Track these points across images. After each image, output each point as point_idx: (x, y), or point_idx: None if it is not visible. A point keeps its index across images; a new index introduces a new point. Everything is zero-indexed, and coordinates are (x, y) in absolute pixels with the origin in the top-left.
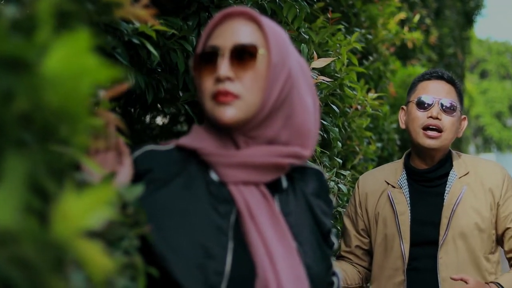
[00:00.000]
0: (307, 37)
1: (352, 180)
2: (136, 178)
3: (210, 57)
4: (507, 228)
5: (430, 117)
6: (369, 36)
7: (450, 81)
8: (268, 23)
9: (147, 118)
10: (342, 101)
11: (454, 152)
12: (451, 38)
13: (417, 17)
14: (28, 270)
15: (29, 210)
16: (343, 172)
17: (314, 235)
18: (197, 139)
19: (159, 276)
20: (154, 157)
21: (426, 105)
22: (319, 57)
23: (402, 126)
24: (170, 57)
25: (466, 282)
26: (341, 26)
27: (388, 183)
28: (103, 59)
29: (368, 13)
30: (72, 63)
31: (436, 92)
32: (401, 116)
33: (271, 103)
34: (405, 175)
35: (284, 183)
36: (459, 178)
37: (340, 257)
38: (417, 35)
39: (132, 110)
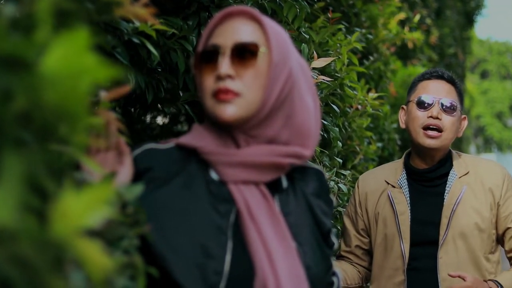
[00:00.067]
0: (307, 36)
1: (352, 180)
2: (136, 176)
3: (211, 56)
4: (508, 228)
5: (430, 116)
6: (370, 36)
7: (450, 80)
8: (269, 22)
9: (148, 118)
10: (343, 100)
11: (454, 151)
12: (452, 38)
13: (417, 17)
14: (27, 269)
15: (28, 209)
16: (343, 171)
17: (314, 235)
18: (197, 137)
19: (159, 276)
20: (154, 155)
21: (426, 104)
22: (319, 57)
23: (402, 125)
24: (170, 57)
25: (464, 279)
26: (341, 26)
27: (388, 183)
28: (103, 58)
29: (368, 13)
30: (71, 62)
31: (436, 92)
32: (401, 115)
33: (271, 102)
34: (405, 174)
35: (284, 183)
36: (459, 178)
37: (340, 257)
38: (418, 35)
39: (132, 110)
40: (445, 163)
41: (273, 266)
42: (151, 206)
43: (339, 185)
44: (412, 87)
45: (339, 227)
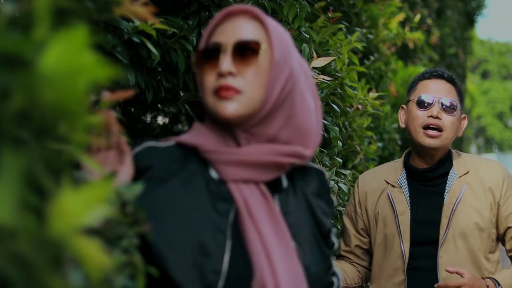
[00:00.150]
0: (307, 36)
1: (352, 180)
2: (136, 174)
3: (212, 54)
4: (509, 227)
5: (430, 116)
6: (370, 36)
7: (450, 80)
8: (271, 21)
9: (148, 118)
10: (343, 100)
11: (454, 151)
12: (453, 38)
13: (417, 17)
14: (25, 267)
15: (27, 207)
16: (343, 171)
17: (313, 235)
18: (197, 136)
19: (158, 275)
20: (154, 153)
21: (426, 104)
22: (319, 56)
23: (402, 125)
24: (170, 57)
25: (461, 276)
26: (342, 26)
27: (388, 183)
28: (101, 57)
29: (369, 13)
30: (69, 60)
31: (436, 91)
32: (401, 115)
33: (272, 100)
34: (405, 174)
35: (285, 183)
36: (459, 177)
37: (339, 257)
38: (418, 35)
39: (132, 109)
40: (445, 162)
41: (272, 265)
42: (150, 204)
43: (339, 184)
44: (412, 86)
45: (339, 227)
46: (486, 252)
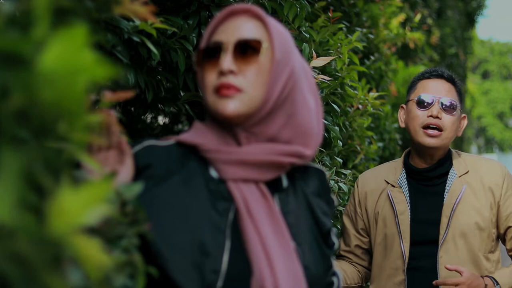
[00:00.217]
0: (308, 36)
1: (353, 179)
2: (136, 173)
3: (213, 52)
4: (509, 227)
5: (430, 116)
6: (371, 36)
7: (450, 79)
8: (273, 21)
9: (148, 118)
10: (343, 100)
11: (453, 151)
12: (453, 38)
13: (418, 17)
14: (24, 266)
15: (26, 207)
16: (343, 171)
17: (313, 235)
18: (197, 135)
19: (158, 274)
20: (154, 152)
21: (426, 104)
22: (319, 56)
23: (402, 124)
24: (170, 56)
25: (460, 274)
26: (342, 26)
27: (388, 182)
28: (101, 56)
29: (369, 13)
30: (68, 59)
31: (436, 91)
32: (401, 114)
33: (273, 99)
34: (404, 174)
35: (285, 182)
36: (459, 177)
37: (339, 257)
38: (419, 35)
39: (132, 109)
40: (444, 162)
41: (271, 265)
42: (149, 203)
43: (339, 184)
44: (411, 86)
45: (339, 227)
46: (486, 252)
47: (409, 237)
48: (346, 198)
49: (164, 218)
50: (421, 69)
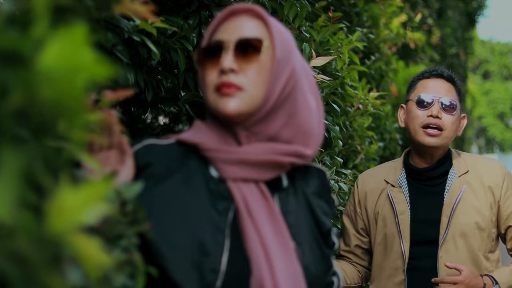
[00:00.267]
0: (308, 35)
1: (353, 179)
2: (136, 172)
3: (214, 51)
4: (509, 227)
5: (430, 115)
6: (371, 36)
7: (449, 79)
8: (274, 20)
9: (149, 118)
10: (344, 100)
11: (453, 150)
12: (454, 39)
13: (418, 17)
14: (24, 265)
15: (26, 205)
16: (344, 171)
17: (313, 235)
18: (198, 134)
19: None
20: (154, 151)
21: (426, 103)
22: (319, 55)
23: (401, 124)
24: (171, 56)
25: (460, 272)
26: (342, 25)
27: (388, 182)
28: (101, 55)
29: (370, 13)
30: (68, 58)
31: (436, 91)
32: (401, 114)
33: (274, 98)
34: (404, 174)
35: (285, 182)
36: (459, 176)
37: (339, 257)
38: (419, 35)
39: (133, 109)
40: (444, 162)
41: (271, 265)
42: (149, 202)
43: (339, 184)
44: (411, 85)
45: (339, 227)
46: (486, 252)
47: (409, 237)
48: (346, 198)
49: (164, 217)
50: (421, 69)
